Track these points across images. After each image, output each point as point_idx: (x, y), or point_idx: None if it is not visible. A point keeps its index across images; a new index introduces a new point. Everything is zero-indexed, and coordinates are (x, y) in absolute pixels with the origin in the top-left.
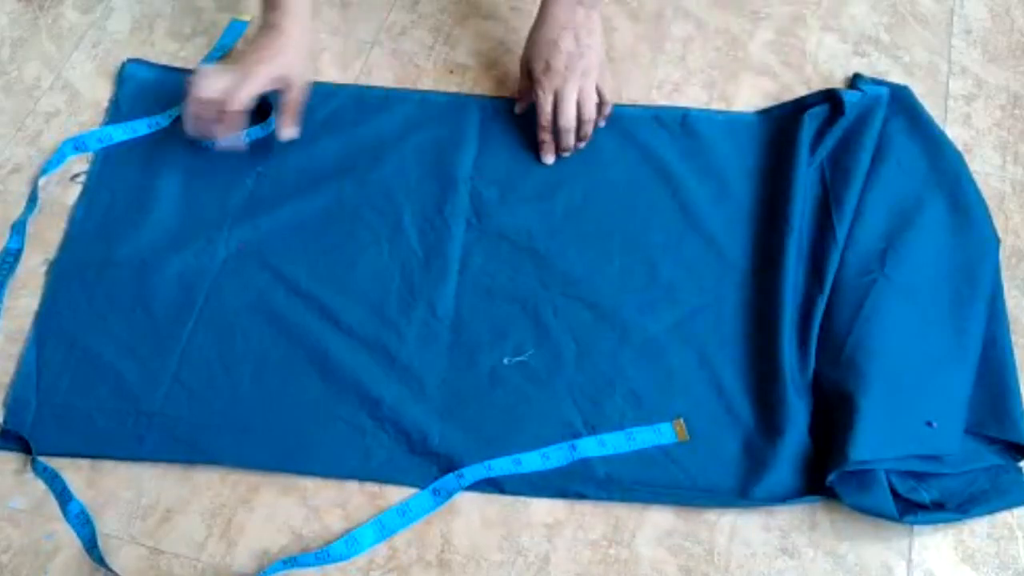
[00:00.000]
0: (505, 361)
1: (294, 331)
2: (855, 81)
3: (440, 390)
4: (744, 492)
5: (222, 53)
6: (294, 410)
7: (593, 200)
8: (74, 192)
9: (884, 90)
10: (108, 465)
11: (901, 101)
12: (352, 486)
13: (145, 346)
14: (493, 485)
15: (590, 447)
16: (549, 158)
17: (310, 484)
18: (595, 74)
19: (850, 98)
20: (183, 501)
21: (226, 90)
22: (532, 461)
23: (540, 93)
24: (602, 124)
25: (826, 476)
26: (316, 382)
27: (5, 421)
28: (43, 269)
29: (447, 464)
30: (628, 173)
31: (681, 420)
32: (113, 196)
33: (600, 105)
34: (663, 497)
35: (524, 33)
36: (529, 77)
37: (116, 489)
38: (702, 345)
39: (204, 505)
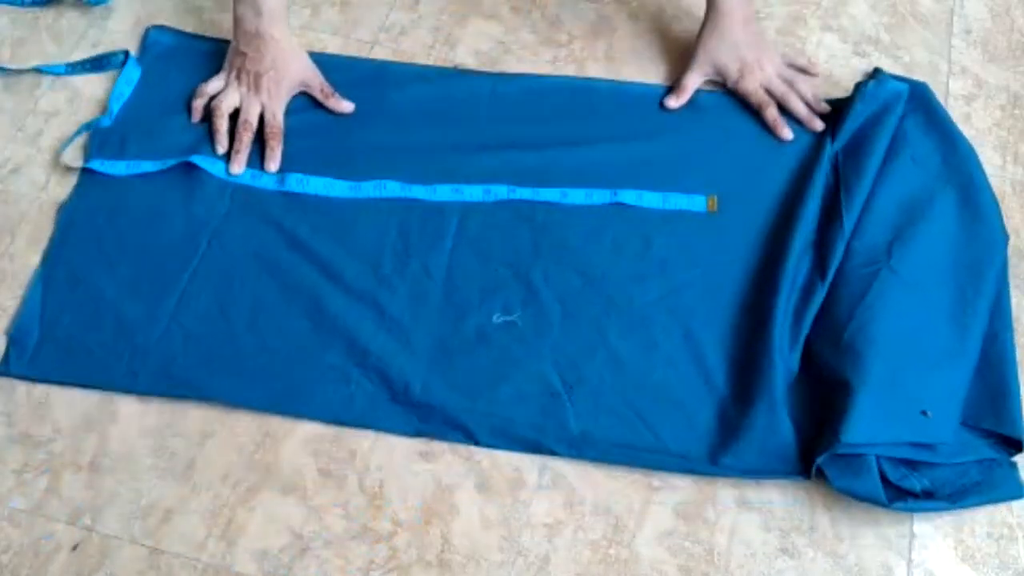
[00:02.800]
0: (494, 319)
1: (291, 281)
2: (875, 75)
3: (426, 344)
4: (714, 459)
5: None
6: (284, 355)
7: (592, 171)
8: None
9: (904, 86)
10: (107, 464)
11: (919, 97)
12: (352, 486)
13: (146, 287)
14: (468, 436)
15: (629, 196)
16: (787, 132)
17: (310, 484)
18: (778, 55)
19: (872, 91)
20: (183, 501)
21: (254, 116)
22: (576, 195)
23: (747, 85)
24: (814, 72)
25: (816, 456)
26: (307, 330)
27: (7, 348)
28: (52, 212)
29: (427, 414)
30: (629, 148)
31: (715, 196)
32: (124, 143)
33: (801, 70)
34: (635, 460)
35: (524, 33)
36: (709, 74)
37: (116, 489)
38: (688, 319)
39: (204, 505)
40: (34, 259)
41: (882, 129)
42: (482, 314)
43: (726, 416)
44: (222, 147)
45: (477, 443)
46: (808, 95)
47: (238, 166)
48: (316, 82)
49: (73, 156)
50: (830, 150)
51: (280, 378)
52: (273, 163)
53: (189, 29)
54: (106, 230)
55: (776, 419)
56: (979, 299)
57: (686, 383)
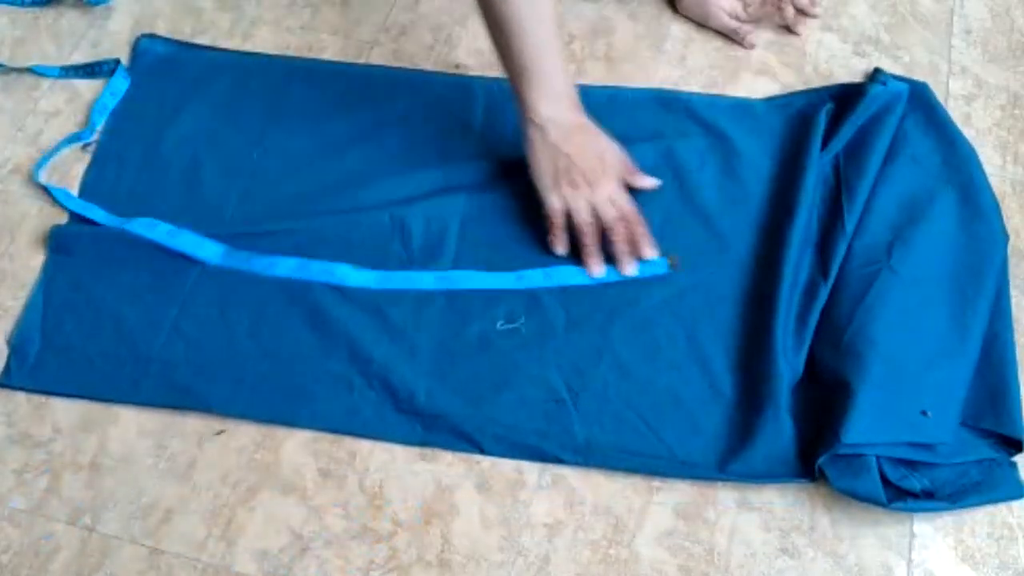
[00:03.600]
0: (498, 326)
1: (293, 288)
2: (876, 76)
3: (430, 352)
4: (722, 466)
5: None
6: (287, 364)
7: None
8: (85, 160)
9: (904, 86)
10: (107, 464)
11: (920, 97)
12: (352, 486)
13: (147, 295)
14: (473, 445)
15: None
16: (598, 269)
17: (310, 484)
18: (613, 173)
19: (873, 91)
20: (183, 501)
21: (612, 215)
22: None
23: (572, 212)
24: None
25: (817, 458)
26: (310, 338)
27: (9, 358)
28: (53, 213)
29: (431, 423)
30: (629, 153)
31: (676, 256)
32: (121, 162)
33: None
34: (640, 467)
35: None
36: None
37: (116, 489)
38: (692, 323)
39: (204, 505)
40: (35, 259)
41: (882, 129)
42: (485, 321)
43: (732, 421)
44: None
45: (482, 451)
46: (637, 229)
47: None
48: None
49: (47, 175)
50: (830, 153)
51: (283, 387)
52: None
53: (188, 30)
54: (107, 239)
55: (782, 424)
56: (979, 299)
57: (691, 388)
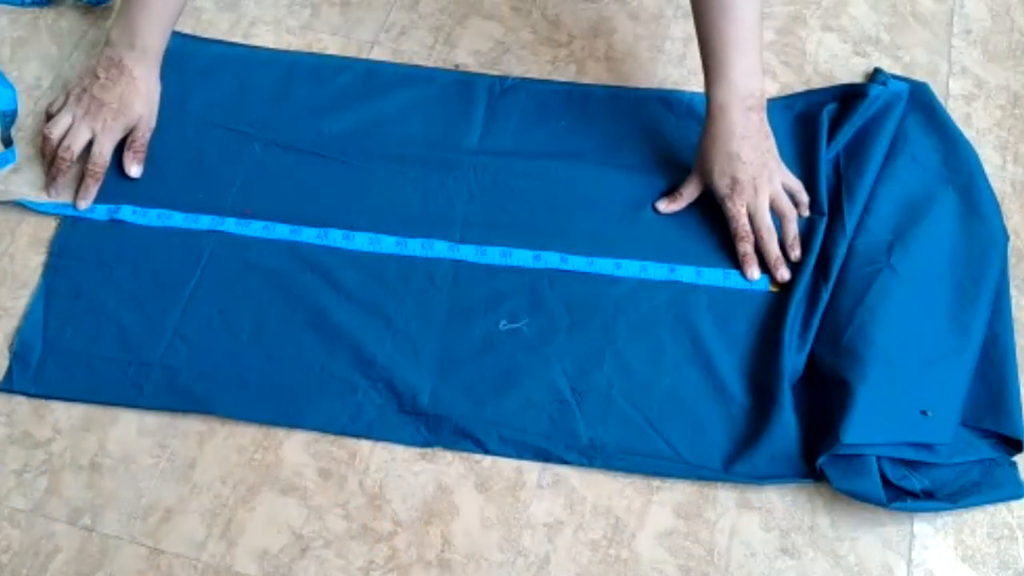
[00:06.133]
0: (501, 326)
1: (294, 291)
2: (876, 76)
3: (433, 353)
4: (727, 467)
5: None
6: (290, 367)
7: (594, 176)
8: None
9: (905, 86)
10: (107, 464)
11: (920, 98)
12: (352, 486)
13: (149, 300)
14: (477, 445)
15: (688, 274)
16: (755, 271)
17: (310, 484)
18: (779, 176)
19: (873, 92)
20: (183, 501)
21: (79, 144)
22: (631, 268)
23: (732, 207)
24: (805, 214)
25: (817, 458)
26: (312, 341)
27: (11, 365)
28: (55, 223)
29: (435, 424)
30: (630, 152)
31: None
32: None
33: (794, 200)
34: (645, 468)
35: (524, 33)
36: (705, 186)
37: (116, 489)
38: (696, 323)
39: (204, 505)
40: (35, 259)
41: (883, 129)
42: (488, 322)
43: (736, 422)
44: (51, 179)
45: (487, 451)
46: (790, 237)
47: (56, 194)
48: (140, 132)
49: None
50: (831, 153)
51: (285, 390)
52: (84, 201)
53: (188, 30)
54: (107, 242)
55: (786, 424)
56: (979, 299)
57: (695, 389)
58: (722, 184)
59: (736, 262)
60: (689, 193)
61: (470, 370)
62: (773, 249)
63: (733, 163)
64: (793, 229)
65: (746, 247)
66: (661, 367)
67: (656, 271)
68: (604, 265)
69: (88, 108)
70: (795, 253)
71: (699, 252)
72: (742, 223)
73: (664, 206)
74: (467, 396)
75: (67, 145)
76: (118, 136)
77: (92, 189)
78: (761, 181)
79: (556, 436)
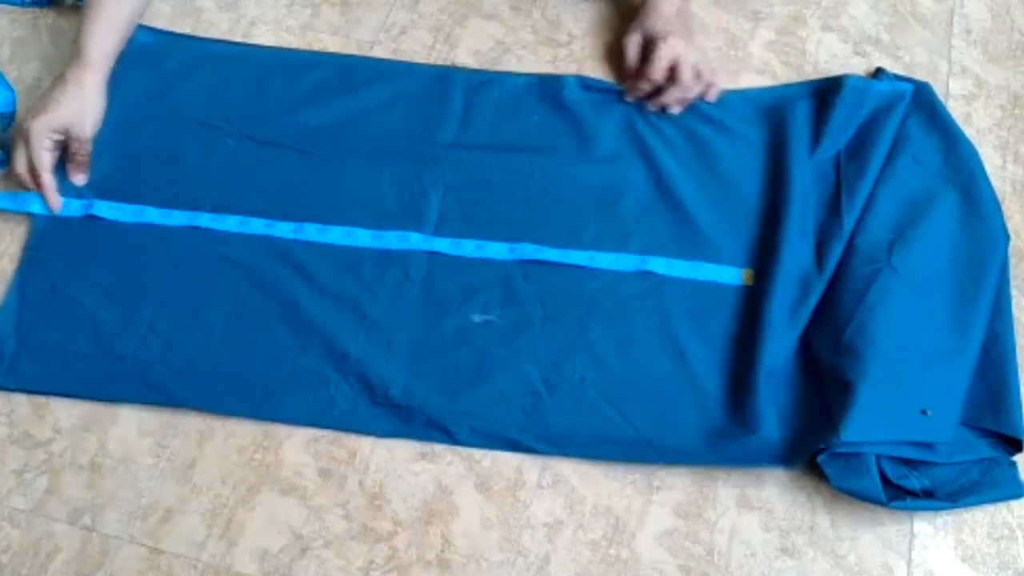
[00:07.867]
0: (474, 318)
1: (268, 285)
2: (878, 76)
3: (406, 346)
4: (699, 453)
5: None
6: (262, 360)
7: (571, 170)
8: None
9: (908, 86)
10: (107, 464)
11: (921, 97)
12: (352, 486)
13: (123, 294)
14: (448, 436)
15: (658, 264)
16: (629, 97)
17: (310, 484)
18: (698, 56)
19: (876, 87)
20: (183, 501)
21: (45, 163)
22: (605, 260)
23: (664, 47)
24: (711, 98)
25: (813, 454)
26: (286, 334)
27: None
28: (28, 219)
29: (407, 415)
30: (607, 146)
31: (751, 271)
32: (98, 146)
33: (705, 83)
34: (616, 455)
35: (524, 33)
36: (643, 31)
37: (116, 489)
38: (669, 315)
39: (204, 505)
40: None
41: (884, 129)
42: (461, 315)
43: (709, 412)
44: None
45: (456, 442)
46: (686, 102)
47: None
48: (76, 144)
49: None
50: (831, 152)
51: (258, 383)
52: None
53: (187, 31)
54: (81, 237)
55: (759, 414)
56: (979, 299)
57: (668, 380)
58: (659, 29)
59: (707, 255)
60: (634, 50)
61: (443, 362)
62: (671, 101)
63: (668, 24)
64: (691, 98)
65: (644, 85)
66: (634, 359)
67: (628, 262)
68: (578, 257)
69: (31, 114)
70: (674, 110)
71: (670, 244)
72: (659, 66)
73: (631, 96)
74: (440, 388)
75: (35, 171)
76: (49, 138)
77: (42, 189)
78: (688, 47)
79: (528, 427)
